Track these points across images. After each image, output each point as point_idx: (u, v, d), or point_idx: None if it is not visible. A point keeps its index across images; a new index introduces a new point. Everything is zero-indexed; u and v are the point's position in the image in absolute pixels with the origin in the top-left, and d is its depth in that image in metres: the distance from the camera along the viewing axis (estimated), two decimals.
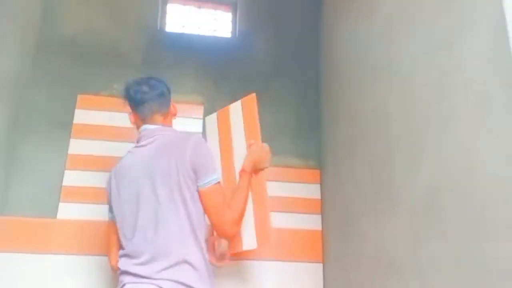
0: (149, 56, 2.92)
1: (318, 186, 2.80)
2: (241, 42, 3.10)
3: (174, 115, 1.97)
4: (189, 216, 1.62)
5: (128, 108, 1.93)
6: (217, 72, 2.96)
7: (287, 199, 2.73)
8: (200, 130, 2.80)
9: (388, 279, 1.71)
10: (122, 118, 2.67)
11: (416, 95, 1.58)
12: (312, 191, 2.78)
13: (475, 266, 1.16)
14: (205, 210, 1.69)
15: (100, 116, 2.71)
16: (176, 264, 1.56)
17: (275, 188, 2.72)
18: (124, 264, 1.65)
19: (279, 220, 2.66)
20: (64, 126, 2.65)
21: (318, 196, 2.77)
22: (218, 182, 1.72)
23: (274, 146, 2.80)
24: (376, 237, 1.87)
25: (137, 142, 1.83)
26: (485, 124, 1.16)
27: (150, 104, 1.83)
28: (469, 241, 1.20)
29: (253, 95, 2.20)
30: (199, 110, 2.86)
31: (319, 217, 2.73)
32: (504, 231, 1.04)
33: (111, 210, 1.84)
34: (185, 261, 1.57)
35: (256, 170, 2.07)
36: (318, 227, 2.70)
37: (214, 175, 1.70)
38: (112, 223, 1.84)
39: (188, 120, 2.81)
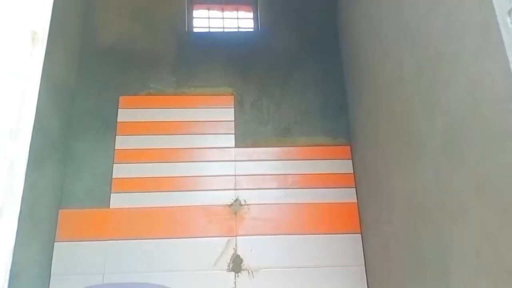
0: (180, 55, 3.16)
1: (350, 161, 2.90)
2: (263, 35, 3.29)
3: None
4: None
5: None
6: (243, 64, 3.15)
7: (321, 175, 2.85)
8: (232, 118, 2.98)
9: (420, 227, 1.79)
10: (160, 113, 2.93)
11: (425, 46, 1.68)
12: (344, 166, 2.88)
13: (498, 187, 1.24)
14: None
15: (140, 113, 2.95)
16: None
17: (310, 166, 2.85)
18: None
19: (316, 196, 2.78)
20: (110, 125, 2.91)
21: (351, 170, 2.87)
22: None
23: (304, 128, 2.96)
24: (405, 188, 1.95)
25: None
26: (488, 53, 1.25)
27: None
28: (488, 163, 1.28)
29: None
30: (230, 100, 3.04)
31: (353, 190, 2.82)
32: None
33: None
34: None
35: None
36: (354, 199, 2.79)
37: None
38: None
39: (220, 109, 3.00)
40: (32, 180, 2.32)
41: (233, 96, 3.06)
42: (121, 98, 2.99)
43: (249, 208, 2.75)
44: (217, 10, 3.61)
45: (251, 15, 3.59)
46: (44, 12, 0.74)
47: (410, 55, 1.86)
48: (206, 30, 3.45)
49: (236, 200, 2.76)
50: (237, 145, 2.91)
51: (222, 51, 3.19)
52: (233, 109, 3.01)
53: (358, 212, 2.76)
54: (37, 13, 0.71)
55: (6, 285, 0.58)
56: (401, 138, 1.99)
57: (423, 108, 1.72)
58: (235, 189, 2.79)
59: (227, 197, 2.77)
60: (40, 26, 0.72)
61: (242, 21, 3.57)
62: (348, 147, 2.93)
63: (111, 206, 2.70)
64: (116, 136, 2.89)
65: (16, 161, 0.61)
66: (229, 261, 2.62)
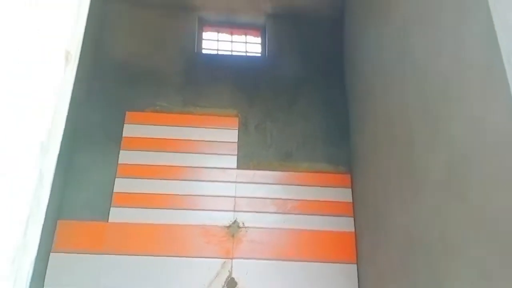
0: (188, 75, 3.22)
1: (349, 190, 2.92)
2: (270, 60, 3.37)
3: None
4: None
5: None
6: (249, 87, 3.21)
7: (321, 202, 2.86)
8: (236, 140, 3.02)
9: (418, 260, 1.80)
10: (164, 130, 2.96)
11: (430, 83, 1.74)
12: (344, 194, 2.90)
13: (500, 225, 1.27)
14: None
15: (146, 129, 2.99)
16: None
17: (310, 193, 2.87)
18: None
19: (314, 223, 2.79)
20: (114, 139, 2.94)
21: (350, 199, 2.89)
22: None
23: (306, 153, 2.99)
24: (404, 221, 1.97)
25: None
26: (489, 95, 1.30)
27: None
28: (490, 201, 1.31)
29: None
30: (235, 122, 3.09)
31: (351, 219, 2.83)
32: None
33: None
34: None
35: None
36: (351, 228, 2.80)
37: None
38: None
39: (224, 130, 3.04)
40: None
41: (237, 118, 3.10)
42: (128, 114, 3.03)
43: (247, 231, 2.75)
44: (226, 33, 3.70)
45: (259, 40, 3.68)
46: (77, 34, 0.78)
47: (414, 88, 1.92)
48: (215, 52, 3.53)
49: (235, 222, 2.77)
50: (239, 167, 2.94)
51: (229, 74, 3.25)
52: (237, 130, 3.06)
53: (355, 242, 2.76)
54: (71, 34, 0.75)
55: None
56: (402, 170, 2.03)
57: (426, 141, 1.77)
58: (234, 211, 2.80)
59: (225, 218, 2.77)
60: (73, 46, 0.76)
61: (250, 45, 3.65)
62: (349, 175, 2.96)
63: (109, 220, 2.70)
64: (120, 151, 2.91)
65: (45, 173, 0.64)
66: (223, 284, 2.60)
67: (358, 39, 2.95)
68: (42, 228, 2.27)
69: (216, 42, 3.63)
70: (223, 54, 3.48)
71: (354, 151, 2.97)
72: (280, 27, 3.49)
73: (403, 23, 2.09)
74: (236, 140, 3.02)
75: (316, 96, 3.20)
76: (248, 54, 3.56)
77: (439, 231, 1.65)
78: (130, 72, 3.16)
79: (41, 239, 2.33)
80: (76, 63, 0.77)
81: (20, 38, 0.67)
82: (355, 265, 2.71)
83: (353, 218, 2.83)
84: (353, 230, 2.80)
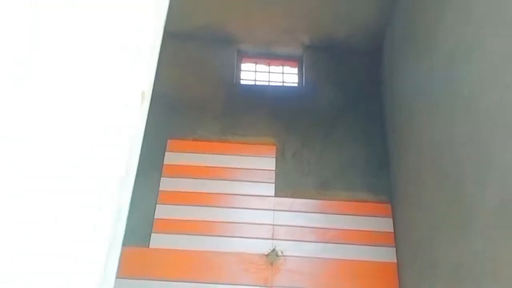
0: (227, 105, 3.32)
1: (390, 219, 2.86)
2: (307, 90, 3.42)
3: None
4: None
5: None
6: (286, 117, 3.26)
7: (361, 232, 2.82)
8: (274, 168, 3.05)
9: None
10: (205, 158, 3.04)
11: (479, 112, 1.72)
12: (384, 224, 2.85)
13: None
14: None
15: (187, 157, 3.07)
16: None
17: (349, 222, 2.84)
18: None
19: (354, 253, 2.74)
20: (156, 166, 3.03)
21: (391, 229, 2.83)
22: None
23: (345, 182, 2.98)
24: (452, 255, 1.91)
25: None
26: None
27: None
28: None
29: None
30: (272, 150, 3.13)
31: (393, 249, 2.76)
32: None
33: None
34: None
35: None
36: (393, 259, 2.73)
37: None
38: None
39: (262, 158, 3.08)
40: None
41: (275, 146, 3.14)
42: (169, 142, 3.14)
43: (285, 260, 2.73)
44: (264, 64, 3.80)
45: (296, 70, 3.76)
46: (150, 73, 0.85)
47: (462, 119, 1.90)
48: (253, 82, 3.63)
49: (273, 250, 2.76)
50: (276, 194, 2.96)
51: (266, 103, 3.32)
52: (274, 158, 3.09)
53: (397, 272, 2.68)
54: (146, 74, 0.81)
55: None
56: (449, 201, 1.98)
57: (475, 173, 1.73)
58: (272, 239, 2.80)
59: (264, 246, 2.77)
60: (147, 85, 0.82)
61: (287, 76, 3.73)
62: (389, 204, 2.91)
63: (150, 246, 2.76)
64: (162, 178, 3.00)
65: (123, 208, 0.69)
66: None
67: (399, 69, 2.97)
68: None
69: (254, 73, 3.74)
70: (260, 85, 3.57)
71: (394, 180, 2.92)
72: (318, 58, 3.55)
73: (450, 53, 2.10)
74: (274, 168, 3.05)
75: (354, 126, 3.20)
76: (285, 84, 3.63)
77: (491, 263, 1.59)
78: (172, 102, 3.29)
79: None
80: (149, 100, 0.83)
81: (104, 79, 0.74)
82: None
83: (394, 248, 2.76)
84: (395, 260, 2.73)
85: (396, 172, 2.89)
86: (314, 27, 3.37)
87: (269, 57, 3.76)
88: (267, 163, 3.08)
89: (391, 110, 3.06)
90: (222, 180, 2.99)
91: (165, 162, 3.06)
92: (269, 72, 3.76)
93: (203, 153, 3.09)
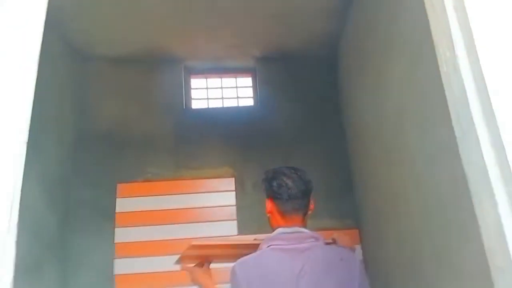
0: (178, 136, 3.07)
1: (359, 246, 2.77)
2: (263, 109, 3.19)
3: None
4: None
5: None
6: (243, 142, 3.06)
7: None
8: (234, 203, 2.88)
9: None
10: (159, 201, 2.83)
11: (437, 132, 1.56)
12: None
13: None
14: None
15: (139, 202, 2.86)
16: None
17: None
18: None
19: None
20: (108, 215, 2.82)
21: (360, 256, 2.74)
22: None
23: None
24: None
25: (280, 241, 1.50)
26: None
27: (299, 201, 1.56)
28: None
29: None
30: (231, 183, 2.94)
31: None
32: None
33: None
34: None
35: None
36: None
37: None
38: None
39: (221, 194, 2.90)
40: (31, 286, 2.24)
41: (233, 178, 2.96)
42: (118, 186, 2.91)
43: None
44: (216, 78, 3.53)
45: (250, 82, 3.51)
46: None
47: (421, 141, 1.74)
48: (205, 104, 3.37)
49: None
50: (240, 232, 2.81)
51: (221, 129, 3.10)
52: (234, 192, 2.92)
53: None
54: None
55: None
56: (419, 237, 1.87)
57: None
58: None
59: None
60: None
61: (242, 90, 3.48)
62: (357, 230, 2.81)
63: None
64: (115, 228, 2.80)
65: None
66: None
67: (353, 86, 2.76)
68: None
69: (205, 90, 3.47)
70: (213, 108, 3.32)
71: (360, 205, 2.80)
72: (271, 69, 3.29)
73: (398, 96, 1.90)
74: (235, 203, 2.88)
75: (315, 146, 3.02)
76: (240, 102, 3.39)
77: None
78: (116, 140, 3.02)
79: None
80: None
81: None
82: None
83: None
84: None
85: (361, 197, 2.76)
86: (265, 41, 3.08)
87: (220, 71, 3.48)
88: (227, 198, 2.90)
89: (351, 131, 2.88)
90: (180, 223, 2.80)
91: (117, 210, 2.85)
92: (222, 87, 3.49)
93: (157, 196, 2.88)
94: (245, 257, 1.51)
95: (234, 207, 2.86)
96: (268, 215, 1.60)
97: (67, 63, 2.96)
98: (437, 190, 1.54)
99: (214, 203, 2.87)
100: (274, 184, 1.55)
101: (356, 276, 1.42)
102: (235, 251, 1.55)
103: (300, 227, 1.53)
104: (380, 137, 2.25)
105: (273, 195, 1.55)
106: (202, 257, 1.63)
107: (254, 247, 1.52)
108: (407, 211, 1.89)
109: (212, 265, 1.63)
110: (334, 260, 1.45)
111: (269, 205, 1.58)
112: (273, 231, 1.54)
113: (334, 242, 1.69)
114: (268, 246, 1.48)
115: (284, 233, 1.50)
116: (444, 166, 1.46)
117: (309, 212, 1.62)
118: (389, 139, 2.08)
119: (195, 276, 1.61)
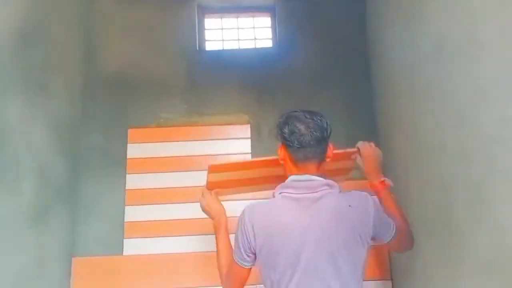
0: (191, 79, 2.89)
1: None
2: (282, 51, 2.94)
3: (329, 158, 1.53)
4: None
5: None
6: (260, 87, 2.85)
7: None
8: (249, 150, 2.73)
9: None
10: (171, 147, 2.70)
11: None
12: None
13: None
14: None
15: (151, 148, 2.74)
16: None
17: None
18: None
19: None
20: (119, 161, 2.72)
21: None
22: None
23: None
24: None
25: (292, 189, 1.44)
26: None
27: (312, 149, 1.45)
28: None
29: None
30: (246, 130, 2.78)
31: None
32: None
33: (246, 258, 1.48)
34: None
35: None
36: None
37: (392, 228, 1.46)
38: (245, 271, 1.52)
39: (236, 141, 2.75)
40: (39, 231, 2.19)
41: (249, 125, 2.79)
42: (130, 131, 2.78)
43: None
44: (231, 17, 3.26)
45: (269, 22, 3.23)
46: None
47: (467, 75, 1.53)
48: (220, 46, 3.13)
49: None
50: None
51: (237, 72, 2.88)
52: (249, 140, 2.76)
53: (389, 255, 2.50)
54: None
55: None
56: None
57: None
58: None
59: None
60: None
61: (259, 30, 3.21)
62: None
63: (124, 253, 2.56)
64: (127, 175, 2.70)
65: None
66: None
67: (383, 22, 2.47)
68: (56, 269, 2.16)
69: (220, 31, 3.22)
70: (229, 49, 3.09)
71: (385, 153, 2.60)
72: (291, 8, 3.00)
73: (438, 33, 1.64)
74: (250, 151, 2.72)
75: (338, 93, 2.79)
76: (257, 43, 3.14)
77: None
78: (127, 83, 2.86)
79: (56, 282, 2.20)
80: None
81: None
82: (390, 282, 2.47)
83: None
84: None
85: (386, 141, 2.56)
86: None
87: (236, 10, 3.21)
88: (242, 146, 2.75)
89: (378, 77, 2.62)
90: (193, 171, 2.66)
91: (128, 156, 2.74)
92: (238, 28, 3.24)
93: (169, 142, 2.75)
94: (256, 203, 1.53)
95: (249, 155, 2.71)
96: (281, 162, 1.54)
97: (74, 2, 2.77)
98: (480, 131, 1.33)
99: (228, 151, 2.73)
100: (286, 130, 1.47)
101: (369, 219, 1.39)
102: (256, 174, 1.74)
103: (314, 175, 1.45)
104: (412, 77, 2.00)
105: (285, 142, 1.47)
106: (223, 182, 1.81)
107: (274, 163, 1.58)
108: (442, 158, 1.68)
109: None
110: (343, 208, 1.41)
111: (281, 152, 1.52)
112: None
113: (358, 151, 1.77)
114: (280, 193, 1.46)
115: (296, 180, 1.46)
116: (493, 103, 1.24)
117: (327, 160, 1.52)
118: (425, 77, 1.83)
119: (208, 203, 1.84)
